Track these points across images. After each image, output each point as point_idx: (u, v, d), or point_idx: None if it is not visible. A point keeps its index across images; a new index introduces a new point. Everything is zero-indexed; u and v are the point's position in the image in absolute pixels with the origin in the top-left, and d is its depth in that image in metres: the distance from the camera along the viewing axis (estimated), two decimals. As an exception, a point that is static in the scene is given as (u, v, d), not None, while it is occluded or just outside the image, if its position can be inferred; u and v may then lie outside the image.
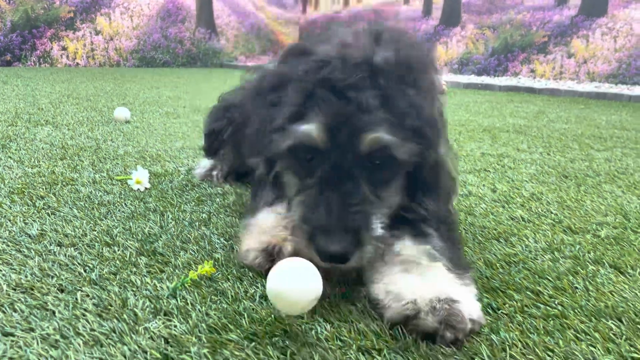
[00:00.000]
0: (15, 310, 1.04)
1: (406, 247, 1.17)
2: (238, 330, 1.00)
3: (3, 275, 1.19)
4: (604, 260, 1.38)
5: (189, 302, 1.09)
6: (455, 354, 0.95)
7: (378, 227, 1.11)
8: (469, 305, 1.02)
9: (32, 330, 0.97)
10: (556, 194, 2.04)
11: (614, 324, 1.06)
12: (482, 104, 5.54)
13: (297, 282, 0.98)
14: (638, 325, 1.06)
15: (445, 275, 1.10)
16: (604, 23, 8.27)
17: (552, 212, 1.80)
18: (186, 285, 1.16)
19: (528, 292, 1.19)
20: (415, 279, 1.08)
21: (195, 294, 1.13)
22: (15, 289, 1.13)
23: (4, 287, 1.13)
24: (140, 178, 1.90)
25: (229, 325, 1.01)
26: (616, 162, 2.69)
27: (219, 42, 11.12)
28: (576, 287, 1.23)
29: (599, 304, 1.14)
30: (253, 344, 0.96)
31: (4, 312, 1.03)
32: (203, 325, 1.01)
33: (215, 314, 1.05)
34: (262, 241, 1.23)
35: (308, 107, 1.13)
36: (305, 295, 0.97)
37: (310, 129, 1.11)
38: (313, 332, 1.00)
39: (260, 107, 1.29)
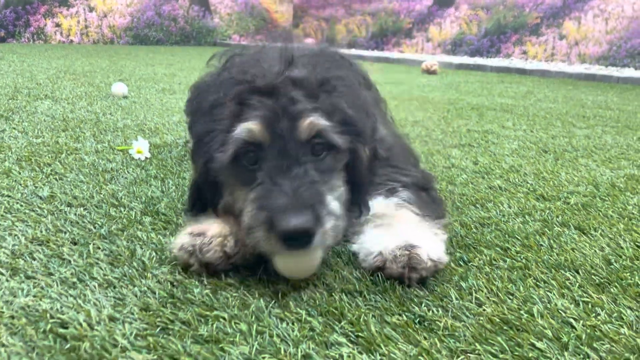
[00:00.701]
0: (34, 259, 1.15)
1: (378, 203, 1.33)
2: (235, 277, 1.12)
3: (20, 230, 1.30)
4: (570, 223, 1.51)
5: (191, 253, 1.21)
6: (427, 296, 1.07)
7: (335, 204, 1.13)
8: (429, 247, 1.16)
9: (51, 274, 1.09)
10: (534, 166, 2.17)
11: (570, 274, 1.19)
12: (473, 84, 5.65)
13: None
14: (592, 276, 1.19)
15: (409, 220, 1.27)
16: (596, 5, 8.34)
17: (528, 182, 1.92)
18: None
19: (497, 249, 1.32)
20: (382, 232, 1.23)
21: (197, 246, 1.24)
22: (32, 242, 1.24)
23: (22, 239, 1.24)
24: (141, 148, 2.01)
25: (228, 272, 1.13)
26: (595, 139, 2.81)
27: (213, 20, 11.11)
28: (541, 245, 1.36)
29: (559, 259, 1.27)
30: (248, 287, 1.08)
31: (24, 260, 1.15)
32: (201, 273, 1.13)
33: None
34: (194, 228, 1.18)
35: (244, 111, 1.14)
36: (310, 261, 1.08)
37: (250, 125, 1.11)
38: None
39: (200, 125, 1.25)
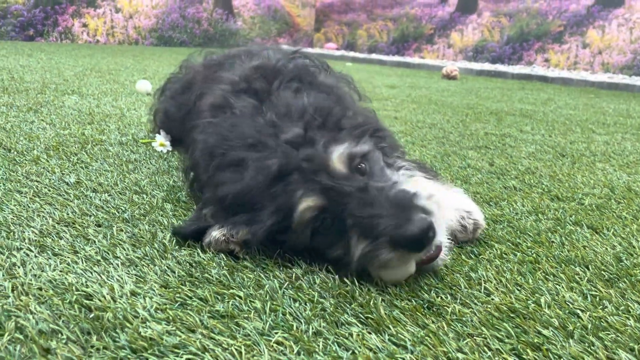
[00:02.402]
0: (61, 238, 1.21)
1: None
2: (253, 260, 1.16)
3: (48, 212, 1.36)
4: (583, 222, 1.53)
5: (209, 237, 1.26)
6: (437, 284, 1.10)
7: (409, 184, 1.18)
8: (479, 212, 1.35)
9: (77, 252, 1.15)
10: (550, 169, 2.17)
11: (580, 269, 1.21)
12: (493, 90, 5.64)
13: None
14: (602, 272, 1.21)
15: (436, 187, 1.37)
16: (620, 14, 8.26)
17: (543, 184, 1.93)
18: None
19: (508, 244, 1.34)
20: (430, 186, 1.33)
21: (215, 232, 1.29)
22: (59, 223, 1.30)
23: (50, 220, 1.30)
24: (163, 141, 2.06)
25: (245, 256, 1.17)
26: (614, 145, 2.80)
27: (236, 23, 11.24)
28: (552, 242, 1.37)
29: (570, 255, 1.29)
30: (264, 269, 1.12)
31: (51, 239, 1.20)
32: (221, 255, 1.17)
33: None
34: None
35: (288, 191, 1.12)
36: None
37: (306, 204, 1.10)
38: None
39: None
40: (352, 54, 10.52)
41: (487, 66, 8.85)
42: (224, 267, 1.12)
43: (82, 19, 9.36)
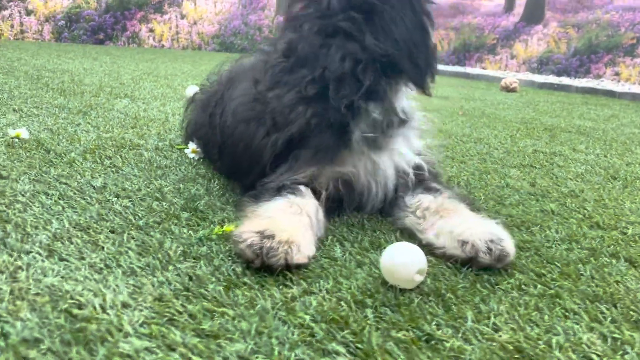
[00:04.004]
0: (72, 243, 1.23)
1: (426, 199, 1.45)
2: (252, 277, 1.13)
3: (67, 216, 1.39)
4: (620, 254, 1.41)
5: (214, 250, 1.25)
6: (441, 315, 1.04)
7: None
8: (510, 242, 1.28)
9: (83, 258, 1.16)
10: (597, 192, 2.03)
11: (606, 307, 1.11)
12: (553, 104, 5.40)
13: (401, 255, 1.11)
14: (630, 312, 1.10)
15: (471, 214, 1.39)
16: (701, 26, 7.74)
17: (585, 209, 1.81)
18: (213, 236, 1.31)
19: (531, 274, 1.25)
20: (463, 223, 1.31)
21: (222, 245, 1.28)
22: (75, 227, 1.32)
23: (66, 224, 1.33)
24: (196, 148, 2.08)
25: (246, 271, 1.15)
26: (676, 169, 2.60)
27: (296, 30, 11.36)
28: (582, 275, 1.27)
29: (598, 290, 1.18)
30: (262, 287, 1.09)
31: (62, 243, 1.22)
32: (223, 269, 1.16)
33: (234, 262, 1.19)
34: (260, 223, 1.23)
35: None
36: (408, 267, 1.09)
37: None
38: (313, 283, 1.12)
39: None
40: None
41: (551, 79, 8.51)
42: (222, 282, 1.10)
43: (149, 24, 9.74)
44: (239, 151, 1.58)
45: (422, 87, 1.45)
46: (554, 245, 1.45)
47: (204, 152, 2.04)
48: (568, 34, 9.31)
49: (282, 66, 1.43)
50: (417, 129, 1.63)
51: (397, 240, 1.40)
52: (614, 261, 1.37)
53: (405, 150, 1.54)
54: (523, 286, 1.19)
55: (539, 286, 1.19)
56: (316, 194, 1.45)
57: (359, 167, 1.48)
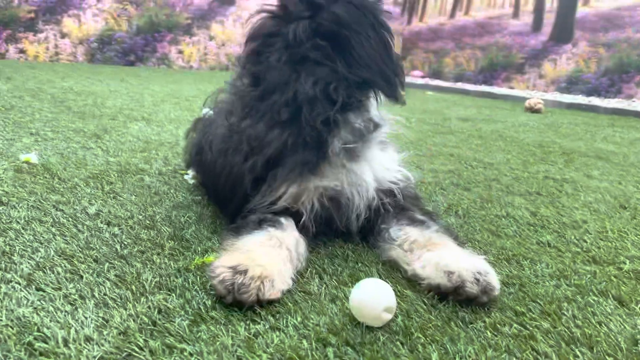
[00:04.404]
0: (52, 272, 1.26)
1: (413, 232, 1.45)
2: (221, 311, 1.14)
3: (55, 244, 1.43)
4: (610, 292, 1.36)
5: (189, 282, 1.26)
6: (406, 355, 1.02)
7: None
8: (494, 276, 1.27)
9: (59, 289, 1.19)
10: (601, 223, 1.97)
11: (580, 351, 1.07)
12: (577, 126, 5.28)
13: (368, 291, 1.11)
14: (606, 356, 1.06)
15: (457, 248, 1.40)
16: None
17: (584, 241, 1.76)
18: (191, 267, 1.32)
19: (510, 312, 1.22)
20: (447, 253, 1.33)
21: (199, 276, 1.29)
22: (60, 256, 1.36)
23: (52, 252, 1.37)
24: (196, 174, 2.11)
25: (216, 304, 1.16)
26: (693, 197, 2.50)
27: (323, 50, 11.46)
28: (563, 314, 1.23)
29: (576, 332, 1.15)
30: (229, 322, 1.10)
31: (44, 272, 1.26)
32: (194, 302, 1.16)
33: (207, 294, 1.20)
34: (234, 258, 1.23)
35: None
36: (375, 304, 1.09)
37: None
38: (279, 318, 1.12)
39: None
40: (436, 82, 10.34)
41: (579, 99, 8.33)
42: (190, 316, 1.11)
43: (178, 45, 9.98)
44: (222, 182, 1.60)
45: (396, 98, 1.48)
46: (541, 281, 1.41)
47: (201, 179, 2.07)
48: (598, 53, 9.12)
49: (252, 95, 1.46)
50: (390, 143, 1.66)
51: (378, 274, 1.39)
52: (601, 300, 1.32)
53: (383, 161, 1.57)
54: (498, 325, 1.16)
55: (515, 326, 1.16)
56: (300, 216, 1.46)
57: (341, 179, 1.49)
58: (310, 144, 1.43)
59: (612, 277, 1.46)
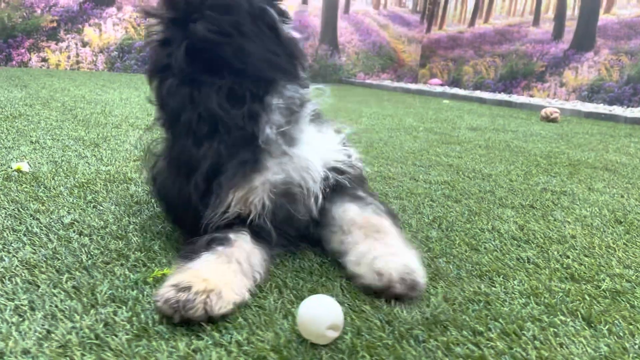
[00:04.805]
0: (10, 282, 1.27)
1: (352, 208, 1.50)
2: (168, 325, 1.13)
3: (22, 253, 1.44)
4: (579, 312, 1.31)
5: (144, 294, 1.25)
6: (343, 376, 0.99)
7: None
8: (421, 273, 1.35)
9: (12, 300, 1.19)
10: (590, 239, 1.91)
11: (531, 375, 1.03)
12: (592, 136, 5.16)
13: (313, 308, 1.09)
14: (559, 381, 1.02)
15: (397, 237, 1.45)
16: None
17: (567, 258, 1.70)
18: (149, 279, 1.32)
19: (467, 331, 1.18)
20: (383, 250, 1.38)
21: (155, 288, 1.28)
22: (23, 265, 1.37)
23: (16, 262, 1.38)
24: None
25: (164, 320, 1.15)
26: (697, 212, 2.41)
27: (340, 58, 11.47)
28: (523, 334, 1.19)
29: (531, 354, 1.10)
30: (171, 337, 1.08)
31: (2, 282, 1.27)
32: (142, 315, 1.16)
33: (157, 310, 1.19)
34: (178, 277, 1.21)
35: None
36: (318, 322, 1.07)
37: None
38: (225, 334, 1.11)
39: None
40: (454, 90, 10.24)
41: (600, 108, 8.15)
42: (134, 331, 1.10)
43: (196, 54, 10.10)
44: (179, 212, 1.60)
45: (298, 79, 1.50)
46: (509, 299, 1.36)
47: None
48: (620, 62, 8.92)
49: (165, 123, 1.51)
50: (327, 121, 1.68)
51: (341, 288, 1.37)
52: (569, 320, 1.27)
53: (323, 140, 1.58)
54: (451, 345, 1.12)
55: (469, 346, 1.12)
56: (254, 221, 1.44)
57: (286, 169, 1.47)
58: (242, 143, 1.42)
59: (587, 296, 1.41)
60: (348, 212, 1.50)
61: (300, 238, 1.57)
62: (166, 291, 1.15)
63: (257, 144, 1.43)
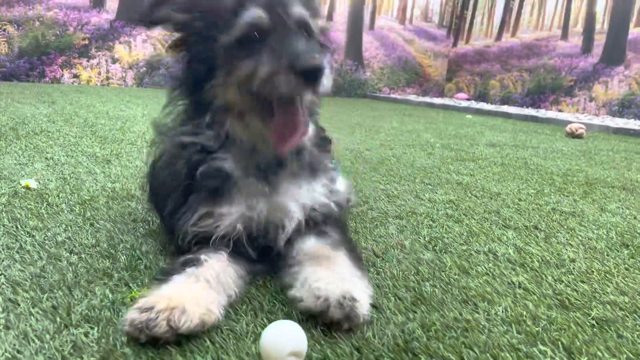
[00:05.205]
0: (-8, 300, 1.30)
1: (311, 242, 1.50)
2: (135, 347, 1.14)
3: (11, 270, 1.48)
4: (560, 341, 1.27)
5: (119, 315, 1.27)
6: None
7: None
8: (364, 304, 1.28)
9: (-10, 317, 1.22)
10: (589, 263, 1.85)
11: (495, 409, 1.00)
12: (617, 153, 5.02)
13: (274, 334, 1.10)
14: (523, 417, 0.98)
15: (347, 267, 1.41)
16: None
17: (561, 283, 1.65)
18: (127, 300, 1.33)
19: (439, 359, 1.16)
20: (326, 275, 1.34)
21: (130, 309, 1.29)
22: (9, 283, 1.40)
23: (3, 280, 1.41)
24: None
25: (131, 342, 1.16)
26: None
27: (365, 73, 11.48)
28: (496, 365, 1.16)
29: (500, 386, 1.07)
30: (137, 358, 1.09)
31: (-16, 300, 1.30)
32: (111, 337, 1.17)
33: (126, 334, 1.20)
34: (143, 301, 1.21)
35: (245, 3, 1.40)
36: (279, 347, 1.07)
37: (254, 12, 1.37)
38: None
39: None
40: (479, 105, 10.12)
41: (631, 123, 7.94)
42: (100, 352, 1.11)
43: (222, 69, 10.27)
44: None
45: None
46: (489, 326, 1.33)
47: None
48: (652, 75, 8.69)
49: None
50: (322, 167, 1.65)
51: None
52: (548, 350, 1.23)
53: (305, 189, 1.58)
54: (418, 375, 1.10)
55: (436, 377, 1.10)
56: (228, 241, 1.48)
57: (254, 207, 1.50)
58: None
59: (572, 325, 1.36)
60: (306, 244, 1.50)
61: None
62: (131, 315, 1.16)
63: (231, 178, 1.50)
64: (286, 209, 1.51)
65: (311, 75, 1.27)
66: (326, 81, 1.31)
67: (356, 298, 1.26)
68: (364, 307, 1.26)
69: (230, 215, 1.47)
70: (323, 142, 1.71)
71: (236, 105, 1.45)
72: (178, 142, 1.56)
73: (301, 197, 1.54)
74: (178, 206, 1.52)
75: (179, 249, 1.50)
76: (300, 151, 1.56)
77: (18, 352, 1.09)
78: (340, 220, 1.65)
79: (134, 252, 1.67)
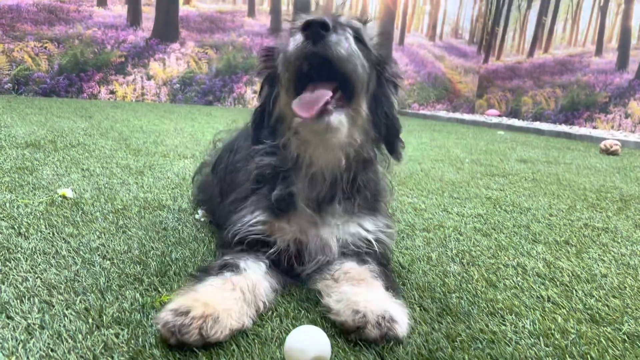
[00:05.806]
0: (29, 301, 1.35)
1: (350, 265, 1.48)
2: (163, 349, 1.17)
3: (46, 274, 1.53)
4: (590, 355, 1.24)
5: (148, 317, 1.30)
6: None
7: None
8: (403, 325, 1.26)
9: (26, 318, 1.27)
10: (622, 279, 1.81)
11: (520, 420, 0.99)
12: (653, 170, 4.89)
13: (298, 338, 1.12)
14: None
15: (384, 293, 1.37)
16: None
17: (592, 297, 1.62)
18: (156, 304, 1.37)
19: (462, 371, 1.15)
20: (366, 294, 1.32)
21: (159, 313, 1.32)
22: (44, 286, 1.45)
23: (38, 282, 1.46)
24: (207, 212, 2.19)
25: (159, 344, 1.18)
26: None
27: (395, 89, 11.49)
28: (523, 377, 1.14)
29: (526, 398, 1.06)
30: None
31: (21, 301, 1.35)
32: (140, 339, 1.20)
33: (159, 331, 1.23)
34: (179, 301, 1.24)
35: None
36: (303, 352, 1.09)
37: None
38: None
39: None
40: (511, 121, 10.00)
41: (668, 140, 7.71)
42: (129, 353, 1.14)
43: (253, 86, 10.42)
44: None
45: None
46: (516, 339, 1.31)
47: (209, 212, 2.15)
48: (691, 91, 8.46)
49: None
50: (376, 206, 1.62)
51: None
52: (576, 364, 1.21)
53: (354, 225, 1.57)
54: (442, 384, 1.10)
55: (460, 386, 1.09)
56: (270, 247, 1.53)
57: (306, 232, 1.54)
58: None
59: (602, 339, 1.33)
60: (344, 267, 1.49)
61: None
62: (165, 315, 1.19)
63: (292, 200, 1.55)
64: (327, 243, 1.54)
65: (313, 28, 1.27)
66: (341, 48, 1.31)
67: (395, 319, 1.24)
68: (403, 328, 1.25)
69: (287, 233, 1.52)
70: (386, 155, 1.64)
71: (286, 113, 1.48)
72: (255, 152, 1.61)
73: (342, 233, 1.56)
74: (239, 200, 1.61)
75: (221, 239, 1.59)
76: (361, 174, 1.56)
77: (52, 350, 1.13)
78: (384, 255, 1.62)
79: (163, 259, 1.71)
